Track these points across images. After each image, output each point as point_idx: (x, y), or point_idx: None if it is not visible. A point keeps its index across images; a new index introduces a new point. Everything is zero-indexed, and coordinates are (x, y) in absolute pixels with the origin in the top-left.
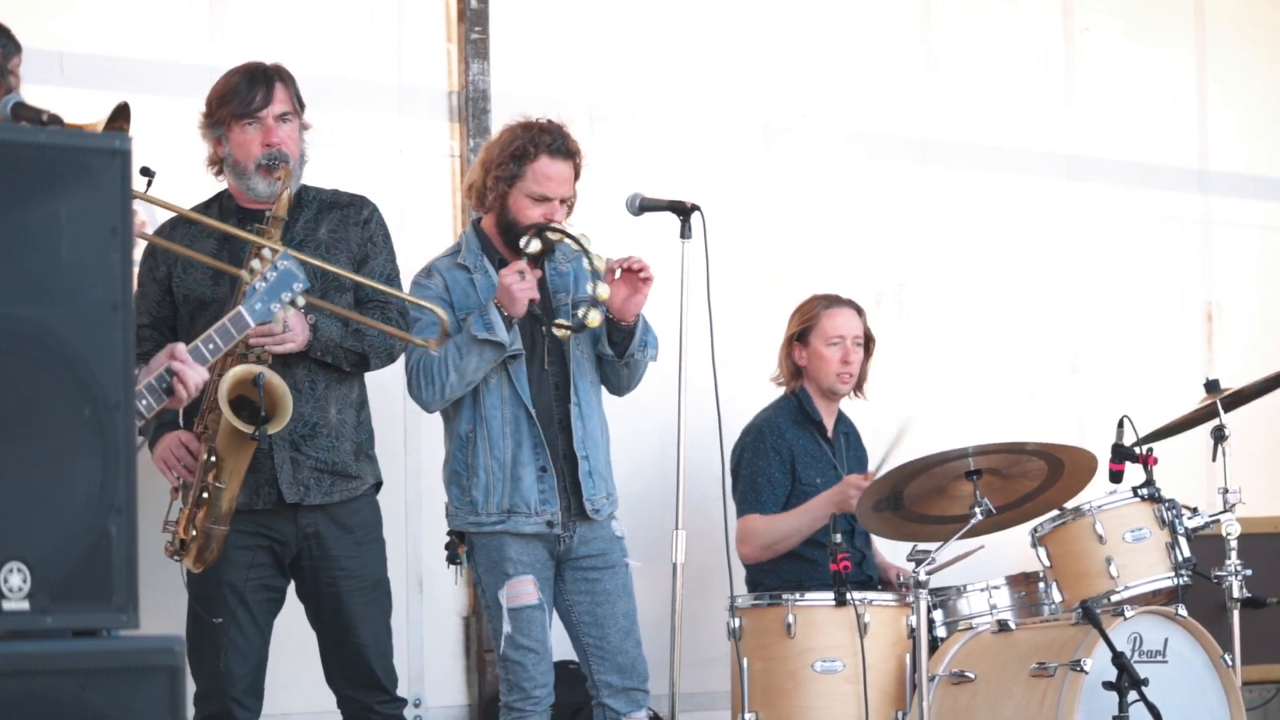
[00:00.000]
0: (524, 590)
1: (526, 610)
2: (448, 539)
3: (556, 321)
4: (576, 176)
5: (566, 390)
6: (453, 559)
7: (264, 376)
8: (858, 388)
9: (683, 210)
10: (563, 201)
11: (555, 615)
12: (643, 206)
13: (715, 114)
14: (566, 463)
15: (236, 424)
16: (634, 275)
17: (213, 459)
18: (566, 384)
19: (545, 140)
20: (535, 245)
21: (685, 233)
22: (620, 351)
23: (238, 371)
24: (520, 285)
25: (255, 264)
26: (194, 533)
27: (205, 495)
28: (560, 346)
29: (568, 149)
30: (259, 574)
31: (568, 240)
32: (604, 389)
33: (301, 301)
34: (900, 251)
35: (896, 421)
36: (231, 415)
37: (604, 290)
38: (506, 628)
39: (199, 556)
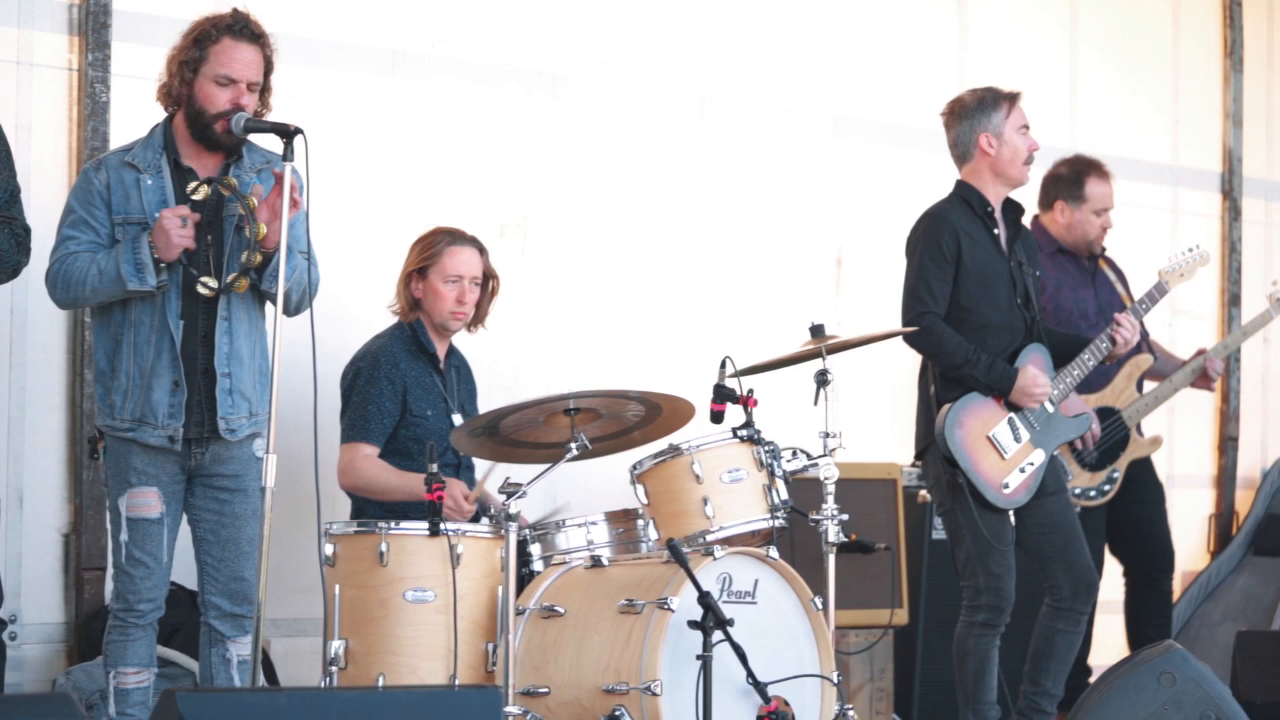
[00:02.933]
0: (145, 502)
1: (144, 523)
2: (92, 433)
3: (202, 280)
4: (268, 67)
5: (216, 304)
6: (92, 453)
7: None
8: (477, 323)
9: (286, 133)
10: (250, 87)
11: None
12: (248, 128)
13: (342, 41)
14: (205, 377)
15: None
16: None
17: None
18: (217, 297)
19: (227, 22)
20: (203, 192)
21: (288, 155)
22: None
23: None
24: (179, 232)
25: None
26: None
27: None
28: (220, 261)
29: (252, 32)
30: None
31: (233, 196)
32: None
33: None
34: (525, 186)
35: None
36: None
37: (257, 257)
38: (123, 536)
39: None
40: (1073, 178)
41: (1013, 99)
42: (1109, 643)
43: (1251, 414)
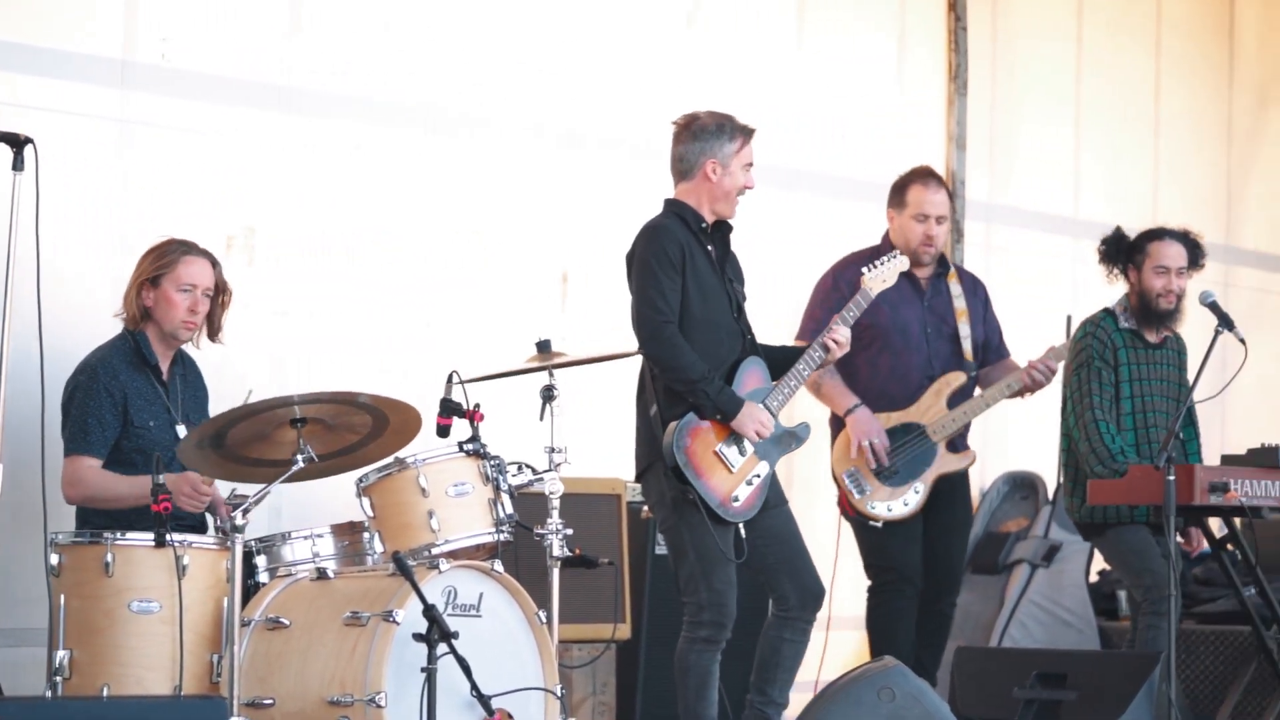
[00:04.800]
0: None
1: None
2: None
3: None
4: None
5: None
6: None
7: None
8: (214, 334)
9: (16, 142)
10: None
11: None
12: None
13: (71, 51)
14: None
15: None
16: None
17: None
18: None
19: None
20: None
21: (18, 164)
22: None
23: None
24: None
25: None
26: None
27: None
28: None
29: None
30: None
31: None
32: None
33: None
34: (252, 198)
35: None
36: None
37: None
38: None
39: None
40: (900, 183)
41: (747, 134)
42: (842, 657)
43: (971, 434)
